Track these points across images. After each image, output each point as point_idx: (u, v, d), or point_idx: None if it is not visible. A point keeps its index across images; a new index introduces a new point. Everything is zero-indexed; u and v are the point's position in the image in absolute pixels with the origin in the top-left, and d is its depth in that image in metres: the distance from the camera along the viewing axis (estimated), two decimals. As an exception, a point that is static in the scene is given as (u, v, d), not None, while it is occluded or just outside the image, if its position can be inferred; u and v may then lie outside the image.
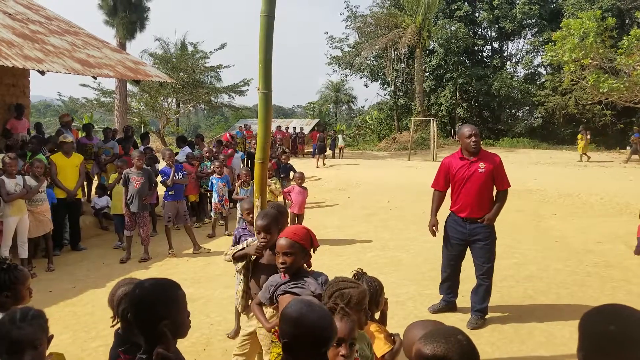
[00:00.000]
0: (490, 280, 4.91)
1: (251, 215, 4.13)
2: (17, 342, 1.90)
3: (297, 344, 1.65)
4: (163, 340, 1.72)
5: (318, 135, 23.39)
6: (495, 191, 4.88)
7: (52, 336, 2.04)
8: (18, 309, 2.05)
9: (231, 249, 3.61)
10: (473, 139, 4.72)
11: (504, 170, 4.85)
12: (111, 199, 8.65)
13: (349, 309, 2.24)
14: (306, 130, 29.63)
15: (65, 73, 9.11)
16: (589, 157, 20.66)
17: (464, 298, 5.37)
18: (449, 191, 5.12)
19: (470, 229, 4.84)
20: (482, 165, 4.74)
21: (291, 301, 1.84)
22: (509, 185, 4.87)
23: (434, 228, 5.15)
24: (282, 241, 2.82)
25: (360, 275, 2.92)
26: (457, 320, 4.97)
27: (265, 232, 3.25)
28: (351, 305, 2.31)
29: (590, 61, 18.13)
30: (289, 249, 2.80)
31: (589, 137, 21.21)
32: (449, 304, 5.25)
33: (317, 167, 19.36)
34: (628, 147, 21.49)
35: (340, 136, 26.15)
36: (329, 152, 26.27)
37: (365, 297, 2.43)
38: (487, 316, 4.97)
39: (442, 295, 5.28)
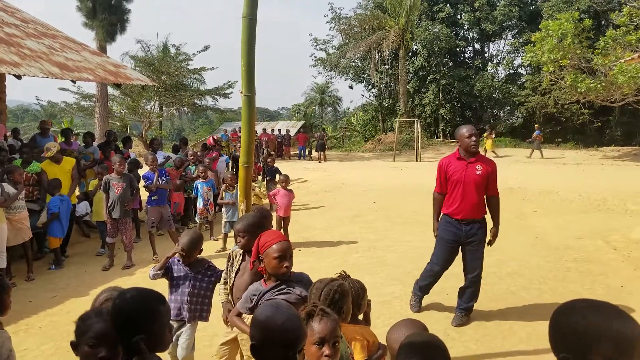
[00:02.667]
0: (480, 282, 4.96)
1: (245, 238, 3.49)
2: (101, 336, 1.88)
3: (265, 347, 1.66)
4: (139, 352, 1.70)
5: (318, 134, 25.58)
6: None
7: None
8: (104, 306, 2.09)
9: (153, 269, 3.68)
10: (473, 138, 4.69)
11: (496, 176, 4.83)
12: (92, 205, 8.50)
13: (334, 308, 2.28)
14: (292, 133, 29.63)
15: (43, 77, 8.94)
16: (496, 154, 22.23)
17: (448, 296, 5.44)
18: None
19: (465, 230, 4.81)
20: (479, 167, 4.72)
21: (261, 305, 1.86)
22: (498, 193, 4.87)
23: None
24: (286, 244, 2.80)
25: (344, 277, 2.93)
26: (443, 317, 5.03)
27: (242, 235, 3.33)
28: (337, 304, 2.38)
29: (569, 62, 18.49)
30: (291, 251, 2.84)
31: (493, 136, 23.22)
32: (419, 299, 5.31)
33: (320, 162, 22.63)
34: (529, 142, 23.54)
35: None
36: (315, 154, 26.40)
37: (348, 295, 2.48)
38: (471, 313, 5.05)
39: (416, 293, 5.30)
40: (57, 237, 7.43)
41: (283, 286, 2.77)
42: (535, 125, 24.81)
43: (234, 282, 3.37)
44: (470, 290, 4.94)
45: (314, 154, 26.33)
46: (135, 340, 1.68)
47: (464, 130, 4.79)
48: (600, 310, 1.40)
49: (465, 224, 4.81)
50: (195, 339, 3.79)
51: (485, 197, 4.82)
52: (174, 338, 3.60)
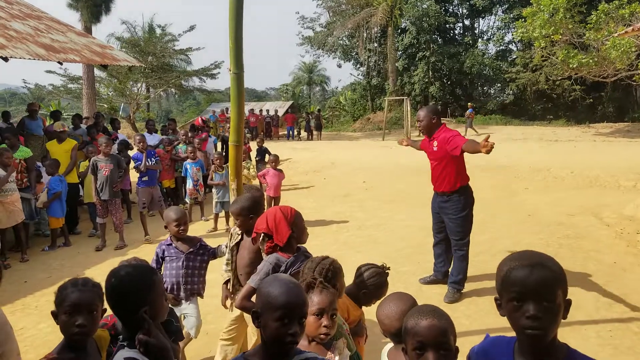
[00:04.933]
0: (462, 253, 5.06)
1: (182, 228, 3.71)
2: (76, 304, 1.99)
3: (264, 315, 1.67)
4: (143, 325, 1.70)
5: (314, 114, 26.30)
6: (461, 167, 5.00)
7: (105, 310, 2.10)
8: (80, 277, 2.16)
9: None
10: (417, 124, 5.22)
11: (457, 139, 4.77)
12: (83, 187, 8.44)
13: (332, 283, 2.30)
14: (280, 113, 29.42)
15: (29, 59, 8.76)
16: (476, 132, 22.81)
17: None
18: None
19: (438, 201, 5.19)
20: (435, 143, 5.03)
21: (265, 278, 1.88)
22: (460, 150, 4.70)
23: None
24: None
25: (384, 268, 2.97)
26: (435, 295, 5.07)
27: (236, 217, 3.35)
28: (335, 279, 2.40)
29: (560, 37, 18.36)
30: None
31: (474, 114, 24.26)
32: (438, 275, 5.40)
33: (309, 139, 24.21)
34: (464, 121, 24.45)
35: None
36: (303, 133, 26.34)
37: (341, 271, 2.50)
38: (463, 290, 5.08)
39: (434, 266, 5.48)
40: (58, 217, 7.42)
41: (303, 257, 2.83)
42: (469, 103, 25.73)
43: (235, 260, 3.43)
44: (456, 262, 5.12)
45: (303, 133, 26.29)
46: (140, 314, 1.70)
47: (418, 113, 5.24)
48: (513, 259, 1.51)
49: (438, 196, 5.20)
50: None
51: (457, 169, 4.96)
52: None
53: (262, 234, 2.89)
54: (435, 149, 5.01)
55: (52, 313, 2.07)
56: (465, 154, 4.75)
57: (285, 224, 2.83)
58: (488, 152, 4.22)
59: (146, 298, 1.75)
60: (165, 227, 3.77)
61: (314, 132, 25.62)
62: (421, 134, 5.13)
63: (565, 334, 1.31)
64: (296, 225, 2.88)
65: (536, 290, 1.41)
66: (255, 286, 2.77)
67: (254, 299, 2.87)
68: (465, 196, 5.02)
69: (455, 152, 4.74)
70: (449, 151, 4.81)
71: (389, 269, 2.96)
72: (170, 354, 1.77)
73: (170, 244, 3.75)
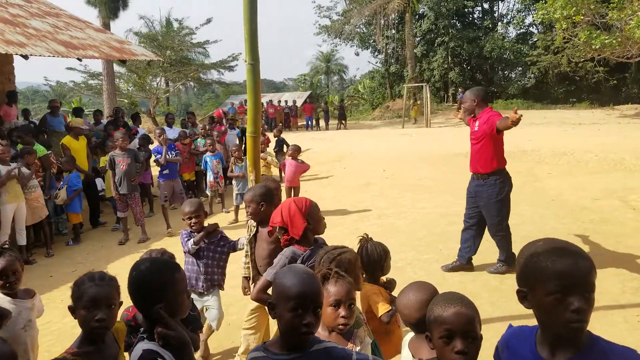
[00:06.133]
0: (500, 237, 5.19)
1: (193, 221, 3.73)
2: (95, 299, 2.03)
3: (279, 306, 1.68)
4: (161, 321, 1.71)
5: (339, 104, 26.97)
6: (499, 148, 5.08)
7: (122, 302, 2.15)
8: (96, 272, 2.21)
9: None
10: (461, 105, 5.46)
11: (491, 120, 4.93)
12: (104, 181, 8.59)
13: (349, 273, 2.28)
14: (298, 103, 29.39)
15: (49, 56, 8.92)
16: (415, 120, 24.11)
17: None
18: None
19: (475, 185, 5.25)
20: (477, 123, 5.12)
21: (279, 270, 1.89)
22: (496, 128, 4.86)
23: None
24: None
25: (366, 240, 2.99)
26: (457, 283, 5.02)
27: (247, 205, 3.36)
28: (349, 269, 2.37)
29: (582, 17, 17.89)
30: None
31: (418, 102, 24.95)
32: (462, 260, 5.38)
33: (338, 128, 24.75)
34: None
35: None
36: (322, 124, 26.32)
37: (358, 260, 2.51)
38: (495, 273, 5.19)
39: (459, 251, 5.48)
40: (77, 213, 7.59)
41: (320, 249, 2.78)
42: (460, 89, 26.09)
43: (254, 251, 3.44)
44: (499, 247, 5.24)
45: (322, 123, 26.30)
46: (155, 310, 1.70)
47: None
48: (547, 249, 1.45)
49: (474, 179, 5.26)
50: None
51: (494, 149, 5.04)
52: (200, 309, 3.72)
53: (278, 228, 2.88)
54: (476, 128, 5.13)
55: (69, 308, 2.11)
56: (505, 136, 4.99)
57: (300, 217, 2.81)
58: (515, 123, 4.42)
59: (165, 294, 1.74)
60: (183, 219, 3.80)
61: (340, 122, 25.79)
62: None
63: (592, 320, 1.30)
64: (312, 216, 2.84)
65: (582, 281, 1.37)
66: (270, 279, 2.77)
67: (269, 291, 2.89)
68: (502, 179, 5.10)
69: (493, 131, 4.89)
70: (487, 131, 4.94)
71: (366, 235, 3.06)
72: (190, 348, 1.77)
73: (192, 232, 3.76)
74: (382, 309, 2.71)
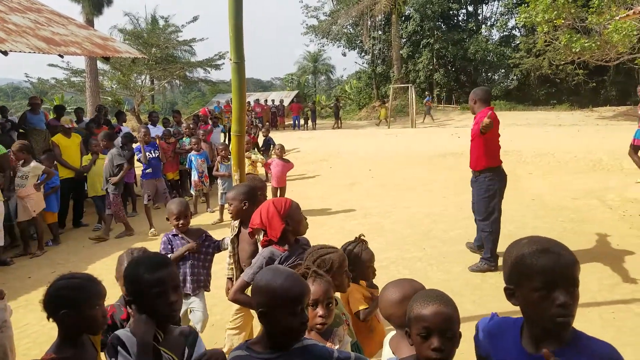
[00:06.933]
0: (486, 233, 5.33)
1: (181, 222, 3.65)
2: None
3: (271, 310, 1.67)
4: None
5: (334, 103, 26.97)
6: (488, 148, 5.29)
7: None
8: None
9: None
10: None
11: (481, 120, 5.11)
12: (87, 180, 8.47)
13: (330, 274, 2.28)
14: (286, 103, 29.35)
15: (29, 52, 8.76)
16: (387, 122, 24.22)
17: (445, 259, 5.47)
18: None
19: (471, 179, 5.54)
20: (473, 122, 5.40)
21: (258, 273, 1.86)
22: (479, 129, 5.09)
23: None
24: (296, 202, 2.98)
25: (356, 242, 3.01)
26: (440, 281, 5.07)
27: (230, 203, 3.36)
28: (333, 270, 2.37)
29: (563, 21, 18.22)
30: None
31: (387, 105, 25.26)
32: (474, 244, 5.74)
33: (333, 128, 24.71)
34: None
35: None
36: (310, 123, 26.34)
37: (345, 261, 2.48)
38: (476, 271, 5.26)
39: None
40: (53, 212, 7.45)
41: (300, 250, 2.79)
42: (426, 92, 26.97)
43: (237, 252, 3.42)
44: (484, 243, 5.39)
45: (307, 122, 26.31)
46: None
47: None
48: (532, 247, 1.49)
49: (472, 174, 5.51)
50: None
51: (483, 148, 5.27)
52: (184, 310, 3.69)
53: (258, 229, 2.86)
54: (472, 126, 5.40)
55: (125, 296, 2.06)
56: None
57: (277, 218, 2.77)
58: (482, 129, 4.82)
59: (151, 292, 1.80)
60: (167, 219, 3.73)
61: (336, 121, 25.97)
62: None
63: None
64: (291, 217, 2.80)
65: (566, 277, 1.41)
66: (248, 280, 2.76)
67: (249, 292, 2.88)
68: (491, 178, 5.28)
69: (477, 129, 5.13)
70: (476, 131, 5.17)
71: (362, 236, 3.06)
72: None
73: (176, 235, 3.70)
74: (358, 306, 2.73)
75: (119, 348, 1.75)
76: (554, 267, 1.41)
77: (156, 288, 1.81)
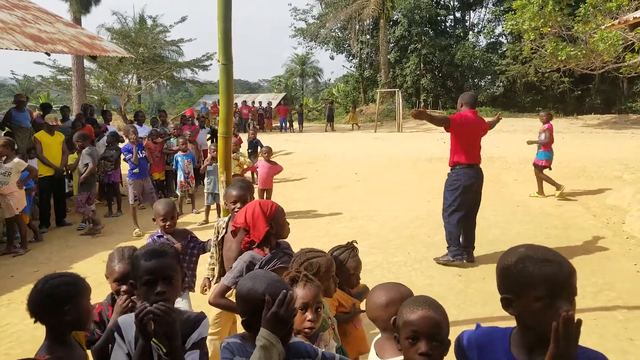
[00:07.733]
0: (445, 223, 5.69)
1: (168, 223, 3.61)
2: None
3: (255, 318, 1.65)
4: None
5: (329, 106, 27.42)
6: (456, 146, 5.60)
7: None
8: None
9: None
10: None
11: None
12: (71, 179, 8.41)
13: (317, 277, 2.28)
14: (273, 105, 29.33)
15: (15, 49, 8.66)
16: (359, 127, 25.20)
17: (429, 263, 5.51)
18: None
19: None
20: None
21: (239, 281, 1.84)
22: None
23: None
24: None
25: (345, 248, 2.95)
26: (425, 286, 5.11)
27: (242, 203, 3.31)
28: (320, 274, 2.36)
29: (549, 29, 18.48)
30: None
31: (356, 109, 26.38)
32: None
33: (326, 131, 24.59)
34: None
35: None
36: (296, 126, 26.35)
37: (332, 265, 2.48)
38: (455, 263, 5.54)
39: None
40: (26, 213, 7.23)
41: (281, 254, 2.77)
42: (413, 98, 27.86)
43: (222, 254, 3.39)
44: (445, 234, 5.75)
45: (295, 125, 26.32)
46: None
47: None
48: (532, 256, 1.49)
49: None
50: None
51: (453, 146, 5.61)
52: None
53: (241, 229, 2.84)
54: None
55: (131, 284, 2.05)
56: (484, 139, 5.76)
57: (263, 221, 2.77)
58: (415, 115, 5.14)
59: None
60: (154, 219, 3.70)
61: (327, 124, 26.18)
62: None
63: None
64: (276, 221, 2.80)
65: (568, 285, 1.44)
66: (228, 284, 2.75)
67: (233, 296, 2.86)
68: (457, 174, 5.55)
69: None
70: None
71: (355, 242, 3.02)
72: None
73: (162, 236, 3.67)
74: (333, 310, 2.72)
75: (115, 334, 1.83)
76: (557, 276, 1.43)
77: (146, 276, 1.86)
